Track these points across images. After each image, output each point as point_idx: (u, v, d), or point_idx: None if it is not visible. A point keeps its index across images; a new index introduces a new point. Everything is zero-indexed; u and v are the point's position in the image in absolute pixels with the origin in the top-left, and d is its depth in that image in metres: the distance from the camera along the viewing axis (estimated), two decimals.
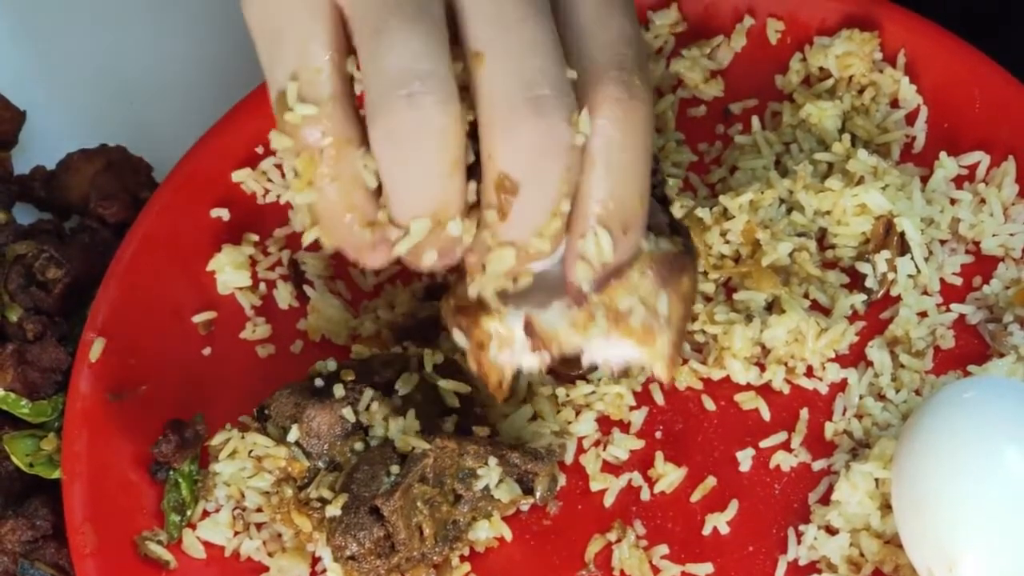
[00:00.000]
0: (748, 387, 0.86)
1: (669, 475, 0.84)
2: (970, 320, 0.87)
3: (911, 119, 0.93)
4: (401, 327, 0.88)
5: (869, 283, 0.88)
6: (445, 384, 0.83)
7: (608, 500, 0.84)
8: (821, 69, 0.94)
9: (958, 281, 0.89)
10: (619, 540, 0.83)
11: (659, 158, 0.74)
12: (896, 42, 0.93)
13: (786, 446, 0.85)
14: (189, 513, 0.84)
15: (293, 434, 0.82)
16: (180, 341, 0.88)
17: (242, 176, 0.92)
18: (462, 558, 0.83)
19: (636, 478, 0.84)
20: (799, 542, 0.82)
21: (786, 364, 0.86)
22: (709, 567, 0.82)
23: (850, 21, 0.94)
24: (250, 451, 0.83)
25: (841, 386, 0.86)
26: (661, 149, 0.93)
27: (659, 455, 0.85)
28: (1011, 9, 1.02)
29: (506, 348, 0.72)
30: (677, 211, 0.89)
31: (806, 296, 0.88)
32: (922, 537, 0.77)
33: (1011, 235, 0.89)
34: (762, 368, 0.86)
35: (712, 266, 0.88)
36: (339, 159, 0.66)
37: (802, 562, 0.82)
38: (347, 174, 0.67)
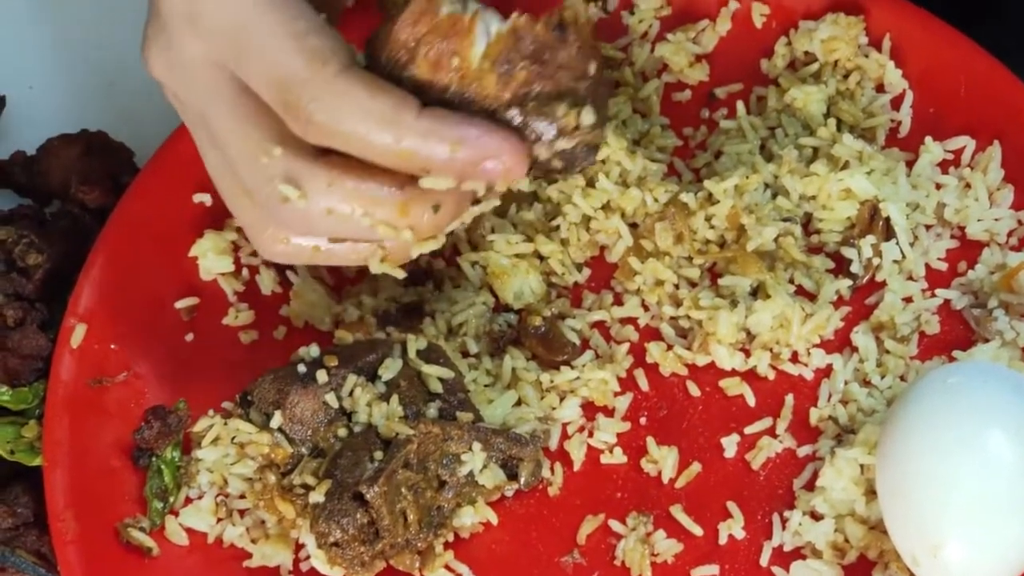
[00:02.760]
0: (733, 373, 0.86)
1: (658, 461, 0.84)
2: (955, 305, 0.87)
3: (896, 104, 0.93)
4: (384, 313, 0.88)
5: (854, 268, 0.88)
6: (429, 370, 0.83)
7: (594, 486, 0.84)
8: (806, 53, 0.93)
9: (943, 266, 0.89)
10: (634, 529, 0.82)
11: None
12: (882, 26, 0.93)
13: (771, 432, 0.85)
14: (172, 500, 0.83)
15: (276, 420, 0.82)
16: (162, 327, 0.88)
17: None
18: (446, 545, 0.82)
19: (621, 464, 0.84)
20: (784, 528, 0.82)
21: (771, 350, 0.86)
22: (695, 552, 0.82)
23: (835, 5, 0.93)
24: (233, 437, 0.83)
25: (826, 371, 0.86)
26: (645, 134, 0.92)
27: (650, 440, 0.84)
28: None
29: None
30: (661, 196, 0.89)
31: (791, 281, 0.88)
32: (906, 522, 0.77)
33: (996, 220, 0.89)
34: (747, 354, 0.86)
35: (697, 251, 0.88)
36: None
37: (787, 548, 0.82)
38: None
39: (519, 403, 0.85)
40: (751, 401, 0.86)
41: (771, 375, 0.86)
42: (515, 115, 0.71)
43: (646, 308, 0.88)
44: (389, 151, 0.69)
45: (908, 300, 0.87)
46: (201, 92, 0.74)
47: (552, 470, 0.84)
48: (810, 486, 0.83)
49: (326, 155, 0.71)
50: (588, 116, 0.71)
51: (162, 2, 0.73)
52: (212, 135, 0.74)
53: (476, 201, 0.74)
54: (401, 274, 0.76)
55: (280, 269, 0.90)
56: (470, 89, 0.71)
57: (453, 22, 0.70)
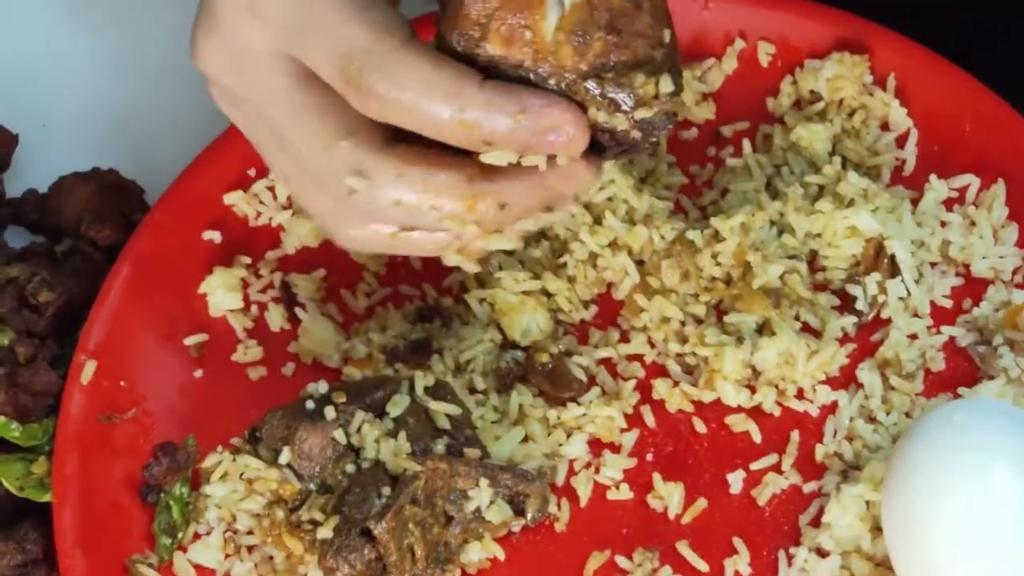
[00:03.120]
0: (739, 409, 0.86)
1: (664, 497, 0.84)
2: (960, 342, 0.88)
3: (901, 142, 0.93)
4: (392, 349, 0.88)
5: (860, 305, 0.88)
6: (436, 406, 0.83)
7: (600, 522, 0.84)
8: (812, 92, 0.94)
9: (948, 303, 0.89)
10: (640, 565, 0.82)
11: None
12: (886, 65, 0.93)
13: (777, 468, 0.85)
14: (180, 536, 0.83)
15: (284, 456, 0.82)
16: (172, 363, 0.88)
17: (234, 198, 0.92)
18: None
19: (628, 500, 0.84)
20: (790, 564, 0.82)
21: (777, 386, 0.86)
22: None
23: (841, 44, 0.94)
24: (241, 473, 0.83)
25: (832, 408, 0.86)
26: (652, 172, 0.93)
27: (656, 476, 0.85)
28: (1011, 24, 1.02)
29: None
30: (668, 233, 0.89)
31: (797, 318, 0.88)
32: (912, 559, 0.77)
33: (1001, 257, 0.89)
34: (753, 390, 0.86)
35: (703, 288, 0.89)
36: None
37: None
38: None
39: (526, 439, 0.85)
40: (757, 437, 0.86)
41: (777, 412, 0.86)
42: (592, 87, 0.70)
43: (652, 345, 0.88)
44: (452, 122, 0.69)
45: (913, 337, 0.88)
46: (261, 85, 0.73)
47: (559, 506, 0.84)
48: (816, 522, 0.83)
49: (393, 146, 0.71)
50: (667, 84, 0.70)
51: None
52: (274, 128, 0.74)
53: (549, 209, 0.74)
54: (476, 268, 0.76)
55: (289, 306, 0.90)
56: (545, 63, 0.70)
57: None
